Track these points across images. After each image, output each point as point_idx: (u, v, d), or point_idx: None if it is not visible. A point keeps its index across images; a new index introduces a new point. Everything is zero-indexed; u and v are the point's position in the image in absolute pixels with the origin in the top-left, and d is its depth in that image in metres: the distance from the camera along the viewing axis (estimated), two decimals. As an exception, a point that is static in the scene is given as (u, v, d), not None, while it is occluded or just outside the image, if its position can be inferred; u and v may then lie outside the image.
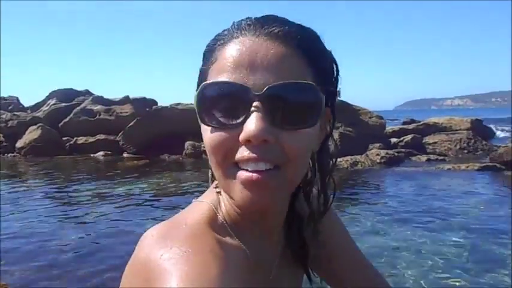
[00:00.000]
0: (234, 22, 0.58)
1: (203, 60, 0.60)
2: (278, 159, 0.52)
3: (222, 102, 0.52)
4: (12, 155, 15.82)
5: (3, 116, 17.21)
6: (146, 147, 14.24)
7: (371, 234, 5.24)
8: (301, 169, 0.57)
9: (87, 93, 19.63)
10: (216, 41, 0.57)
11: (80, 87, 20.22)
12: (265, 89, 0.50)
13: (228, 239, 0.58)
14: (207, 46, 0.59)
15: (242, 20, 0.58)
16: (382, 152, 11.81)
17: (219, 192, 0.62)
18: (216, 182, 0.64)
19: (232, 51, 0.53)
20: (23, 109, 22.18)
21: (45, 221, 6.20)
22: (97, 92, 20.20)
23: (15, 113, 18.65)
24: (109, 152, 14.88)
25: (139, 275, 0.51)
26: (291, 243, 0.70)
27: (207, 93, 0.53)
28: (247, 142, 0.50)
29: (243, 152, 0.51)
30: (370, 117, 13.91)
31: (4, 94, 29.81)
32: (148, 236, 0.55)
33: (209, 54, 0.58)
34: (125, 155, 14.69)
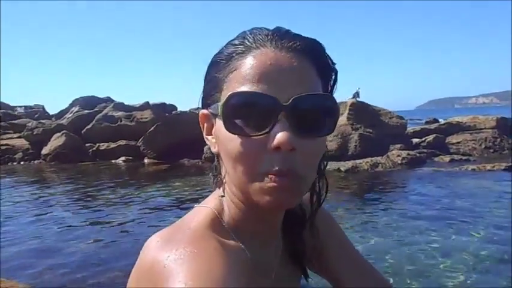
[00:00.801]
0: (246, 32, 0.60)
1: (214, 68, 0.60)
2: (301, 165, 0.55)
3: (249, 112, 0.54)
4: (38, 161, 16.31)
5: (29, 124, 17.75)
6: (166, 152, 14.43)
7: (394, 238, 5.14)
8: (315, 171, 0.62)
9: (109, 100, 20.09)
10: (233, 50, 0.58)
11: (101, 95, 20.72)
12: (291, 100, 0.53)
13: (230, 241, 0.60)
14: (220, 54, 0.60)
15: (254, 30, 0.60)
16: (404, 153, 11.57)
17: (223, 196, 0.64)
18: (220, 188, 0.66)
19: (255, 61, 0.55)
20: (49, 117, 22.91)
21: (66, 224, 6.36)
22: (118, 98, 20.65)
23: (41, 121, 19.24)
24: (130, 158, 15.14)
25: (146, 279, 0.52)
26: (289, 242, 0.73)
27: (235, 103, 0.54)
28: (277, 150, 0.53)
29: (271, 160, 0.54)
30: (390, 118, 13.68)
31: (30, 103, 30.88)
32: (153, 241, 0.57)
33: (225, 63, 0.58)
34: (145, 160, 14.90)
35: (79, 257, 4.82)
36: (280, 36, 0.58)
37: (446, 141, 13.37)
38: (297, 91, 0.54)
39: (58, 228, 6.22)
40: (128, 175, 12.55)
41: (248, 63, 0.56)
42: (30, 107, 30.15)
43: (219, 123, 0.57)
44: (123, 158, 15.27)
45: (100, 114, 17.15)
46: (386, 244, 4.88)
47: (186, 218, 0.63)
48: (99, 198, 8.64)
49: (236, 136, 0.55)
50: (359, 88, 13.95)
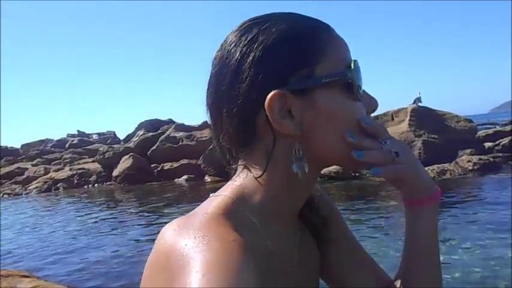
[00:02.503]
0: (319, 24, 0.63)
1: (303, 41, 0.60)
2: None
3: (360, 80, 0.62)
4: (110, 183, 17.53)
5: (101, 149, 19.25)
6: (225, 168, 14.73)
7: (469, 250, 4.72)
8: None
9: (171, 121, 21.14)
10: (323, 27, 0.63)
11: (163, 117, 21.83)
12: None
13: (249, 228, 0.59)
14: (304, 28, 0.61)
15: (322, 22, 0.64)
16: (475, 158, 10.70)
17: (254, 179, 0.62)
18: (237, 177, 0.65)
19: (341, 42, 0.64)
20: (119, 142, 24.65)
21: (133, 246, 6.71)
22: (179, 119, 21.65)
23: (112, 145, 20.76)
24: (192, 176, 15.69)
25: (163, 266, 0.52)
26: (309, 222, 0.73)
27: (357, 69, 0.61)
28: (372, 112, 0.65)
29: (372, 120, 0.62)
30: (457, 122, 12.77)
31: (103, 130, 33.43)
32: (170, 229, 0.56)
33: (318, 37, 0.61)
34: (206, 177, 15.34)
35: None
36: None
37: (525, 143, 12.13)
38: None
39: (131, 243, 6.59)
40: (190, 193, 12.99)
41: (340, 42, 0.63)
42: (103, 134, 32.72)
43: (325, 95, 0.59)
44: (185, 177, 15.87)
45: (163, 136, 18.08)
46: (461, 258, 4.50)
47: (202, 206, 0.62)
48: (165, 216, 9.03)
49: (354, 103, 0.60)
50: (420, 93, 13.18)
